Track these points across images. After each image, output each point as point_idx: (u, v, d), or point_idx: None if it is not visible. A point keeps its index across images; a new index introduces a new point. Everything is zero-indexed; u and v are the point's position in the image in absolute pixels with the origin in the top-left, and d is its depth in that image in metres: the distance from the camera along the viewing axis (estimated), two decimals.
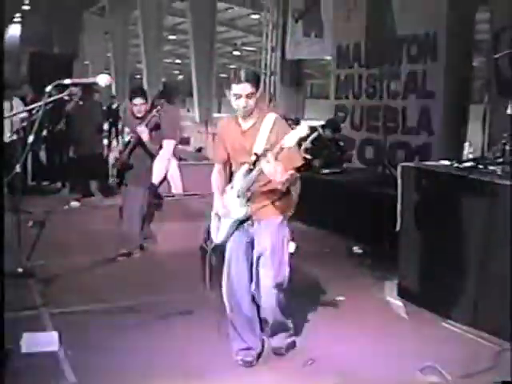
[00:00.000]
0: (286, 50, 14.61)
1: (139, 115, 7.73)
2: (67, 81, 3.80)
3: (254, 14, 32.07)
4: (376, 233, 7.80)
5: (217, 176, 5.09)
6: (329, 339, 5.34)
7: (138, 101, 7.72)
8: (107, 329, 5.43)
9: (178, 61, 54.48)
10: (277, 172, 4.38)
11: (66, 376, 4.58)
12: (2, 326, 3.90)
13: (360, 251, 8.16)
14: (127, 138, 7.87)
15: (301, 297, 5.88)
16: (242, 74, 4.62)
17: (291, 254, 4.88)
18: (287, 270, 4.84)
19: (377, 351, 5.13)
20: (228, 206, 4.84)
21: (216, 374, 4.71)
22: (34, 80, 13.15)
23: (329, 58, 13.47)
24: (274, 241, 4.77)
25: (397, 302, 6.31)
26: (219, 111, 39.81)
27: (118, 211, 8.35)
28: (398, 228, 6.32)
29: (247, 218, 4.82)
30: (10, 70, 23.92)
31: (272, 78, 14.92)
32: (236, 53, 48.93)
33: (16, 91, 12.13)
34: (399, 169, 6.34)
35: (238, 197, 4.74)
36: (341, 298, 6.32)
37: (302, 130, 4.26)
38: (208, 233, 5.22)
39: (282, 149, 4.27)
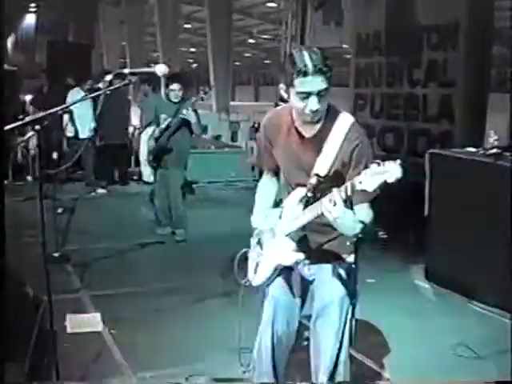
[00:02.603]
0: (306, 38, 14.66)
1: (176, 100, 7.95)
2: (126, 70, 3.92)
3: (270, 1, 32.07)
4: (400, 218, 7.93)
5: (263, 187, 3.78)
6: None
7: (175, 86, 7.94)
8: (147, 310, 5.64)
9: (192, 49, 54.41)
10: (345, 222, 3.03)
11: (112, 355, 4.80)
12: (51, 307, 4.05)
13: (385, 236, 8.30)
14: (165, 124, 7.96)
15: None
16: (310, 62, 3.07)
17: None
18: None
19: (409, 330, 5.34)
20: (273, 245, 3.49)
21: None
22: (53, 69, 13.28)
23: (347, 46, 13.52)
24: (342, 292, 3.37)
25: (424, 285, 6.50)
26: (233, 99, 39.85)
27: (142, 198, 8.52)
28: (425, 213, 6.48)
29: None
30: (25, 59, 24.13)
31: None
32: (251, 41, 48.80)
33: (35, 80, 12.35)
34: (427, 156, 6.50)
35: (288, 235, 3.39)
36: (371, 281, 6.44)
37: (394, 172, 2.67)
38: (239, 263, 4.06)
39: (353, 190, 2.83)
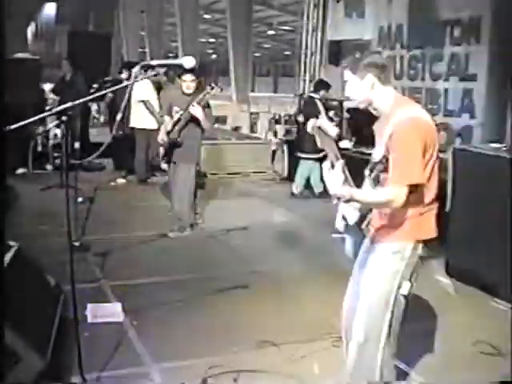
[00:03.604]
0: (327, 30, 14.61)
1: (188, 92, 7.79)
2: (154, 62, 3.92)
3: None
4: None
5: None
6: None
7: (188, 77, 7.74)
8: (167, 301, 5.67)
9: (211, 40, 54.44)
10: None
11: (134, 345, 4.82)
12: (74, 296, 4.08)
13: None
14: (176, 116, 7.82)
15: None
16: None
17: (404, 297, 3.58)
18: (379, 323, 3.59)
19: (432, 325, 5.34)
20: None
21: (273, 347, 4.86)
22: (74, 58, 13.31)
23: (369, 38, 13.46)
24: (373, 275, 3.64)
25: (445, 280, 6.48)
26: (253, 90, 39.83)
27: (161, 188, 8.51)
28: (447, 208, 6.46)
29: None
30: (45, 48, 24.22)
31: (313, 58, 14.92)
32: (271, 32, 48.74)
33: (54, 69, 12.39)
34: (451, 151, 6.48)
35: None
36: None
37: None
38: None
39: None
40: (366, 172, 3.57)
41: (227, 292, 5.96)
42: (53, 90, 12.91)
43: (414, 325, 5.20)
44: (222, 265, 6.88)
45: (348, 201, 3.35)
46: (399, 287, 3.54)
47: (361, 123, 10.51)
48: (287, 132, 13.89)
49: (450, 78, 10.52)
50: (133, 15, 35.17)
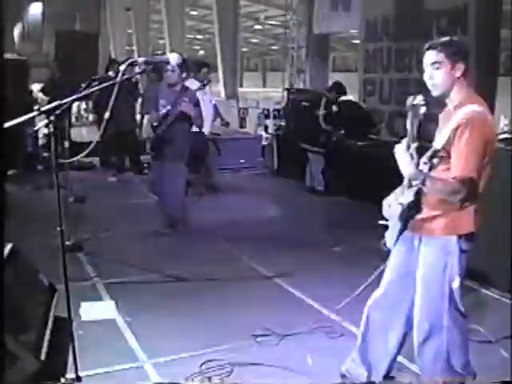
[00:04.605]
0: (314, 24, 14.65)
1: (169, 82, 7.72)
2: (141, 59, 3.93)
3: None
4: None
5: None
6: None
7: (169, 67, 7.58)
8: (160, 297, 5.72)
9: (199, 36, 54.35)
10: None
11: (127, 341, 4.86)
12: (68, 295, 4.09)
13: None
14: (164, 111, 7.70)
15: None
16: None
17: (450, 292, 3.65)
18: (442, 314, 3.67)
19: None
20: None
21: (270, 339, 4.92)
22: (61, 58, 13.30)
23: (356, 31, 13.50)
24: (431, 270, 3.68)
25: None
26: (241, 85, 39.80)
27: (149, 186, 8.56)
28: None
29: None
30: (33, 48, 24.13)
31: (300, 52, 15.00)
32: (258, 27, 48.69)
33: (42, 69, 12.37)
34: None
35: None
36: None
37: None
38: None
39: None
40: (424, 159, 3.54)
41: (219, 287, 6.00)
42: (41, 90, 12.89)
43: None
44: (214, 260, 6.90)
45: (423, 183, 3.39)
46: (451, 280, 3.61)
47: (349, 116, 10.57)
48: (277, 126, 13.90)
49: None
50: (119, 13, 35.10)
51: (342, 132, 10.35)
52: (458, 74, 3.52)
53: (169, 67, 7.56)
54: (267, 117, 15.91)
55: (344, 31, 14.52)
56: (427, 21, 10.51)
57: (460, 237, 3.61)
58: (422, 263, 3.70)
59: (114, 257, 6.95)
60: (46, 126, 3.66)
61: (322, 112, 10.43)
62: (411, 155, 3.42)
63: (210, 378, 4.26)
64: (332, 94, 10.49)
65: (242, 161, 13.05)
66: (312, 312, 5.47)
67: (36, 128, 3.76)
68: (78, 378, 3.96)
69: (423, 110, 3.42)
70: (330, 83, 11.27)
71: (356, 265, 6.34)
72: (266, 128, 14.98)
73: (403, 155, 3.42)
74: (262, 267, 6.66)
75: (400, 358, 4.18)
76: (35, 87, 13.76)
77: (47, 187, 9.61)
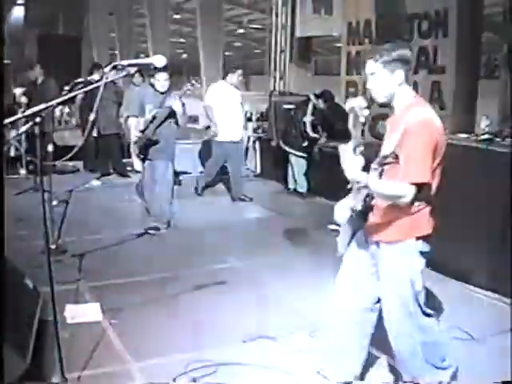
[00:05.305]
0: (296, 27, 14.65)
1: (162, 90, 7.89)
2: (125, 62, 3.94)
3: None
4: None
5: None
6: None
7: (161, 76, 7.83)
8: (146, 299, 5.71)
9: (182, 40, 54.27)
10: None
11: (113, 344, 4.87)
12: (54, 298, 4.09)
13: None
14: (151, 114, 7.83)
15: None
16: None
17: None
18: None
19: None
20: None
21: (251, 342, 4.93)
22: (44, 61, 13.27)
23: (337, 34, 13.53)
24: (392, 275, 3.70)
25: None
26: None
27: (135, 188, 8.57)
28: None
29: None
30: (15, 52, 24.04)
31: (282, 55, 14.98)
32: (241, 30, 48.70)
33: (25, 73, 12.34)
34: None
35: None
36: None
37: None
38: None
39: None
40: (374, 164, 3.47)
41: (205, 289, 6.00)
42: (24, 94, 12.84)
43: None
44: (198, 262, 6.91)
45: (365, 187, 3.41)
46: (413, 284, 3.63)
47: (331, 119, 10.62)
48: (259, 129, 13.94)
49: (419, 70, 10.62)
50: (102, 17, 34.95)
51: (326, 135, 10.40)
52: (399, 81, 3.58)
53: (161, 76, 7.79)
54: (249, 120, 15.92)
55: (326, 34, 14.46)
56: (409, 24, 10.57)
57: (418, 239, 3.63)
58: (382, 269, 3.73)
59: (99, 259, 6.95)
60: (31, 129, 3.68)
61: (309, 119, 10.48)
62: (357, 157, 3.45)
63: (195, 379, 4.29)
64: (320, 102, 10.56)
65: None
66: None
67: (20, 131, 3.76)
68: (65, 380, 3.97)
69: (366, 112, 3.48)
70: (318, 90, 11.27)
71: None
72: (250, 131, 14.99)
73: (349, 158, 3.44)
74: (247, 267, 6.72)
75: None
76: (18, 91, 13.71)
77: (32, 190, 9.63)
